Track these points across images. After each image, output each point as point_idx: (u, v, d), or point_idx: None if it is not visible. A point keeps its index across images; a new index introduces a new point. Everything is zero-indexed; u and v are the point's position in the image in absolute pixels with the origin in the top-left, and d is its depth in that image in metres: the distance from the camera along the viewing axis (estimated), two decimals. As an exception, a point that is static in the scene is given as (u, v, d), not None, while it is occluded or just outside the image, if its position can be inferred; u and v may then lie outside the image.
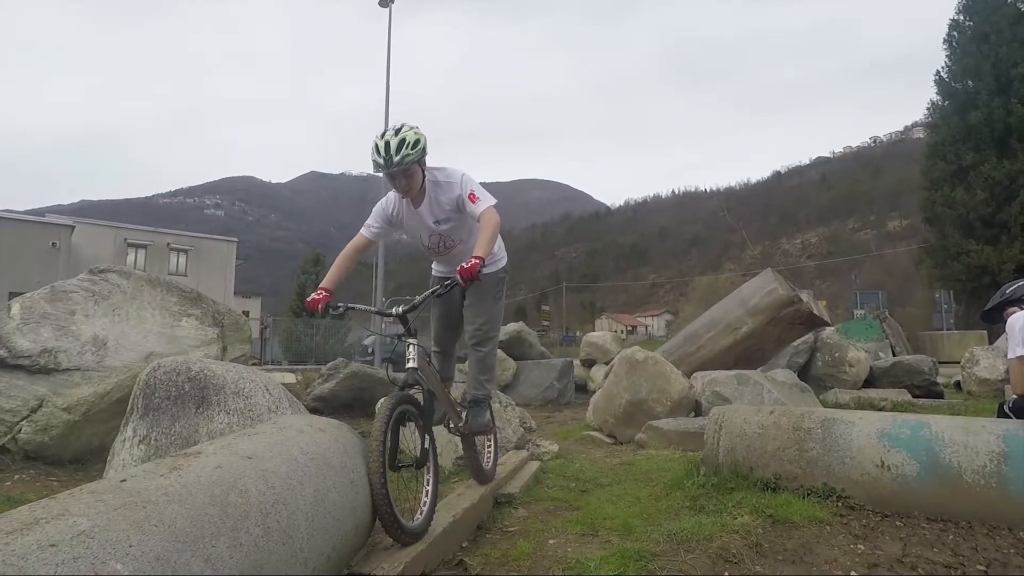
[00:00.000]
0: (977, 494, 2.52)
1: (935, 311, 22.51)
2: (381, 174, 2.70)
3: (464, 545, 2.58)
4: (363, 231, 2.91)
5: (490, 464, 3.24)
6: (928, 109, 28.77)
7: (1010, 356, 3.20)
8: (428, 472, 2.42)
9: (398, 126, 2.66)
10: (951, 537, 2.47)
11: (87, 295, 5.06)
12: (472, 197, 2.74)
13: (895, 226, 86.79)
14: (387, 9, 20.45)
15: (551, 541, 2.63)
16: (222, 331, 5.60)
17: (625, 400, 5.82)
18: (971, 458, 2.55)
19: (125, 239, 33.56)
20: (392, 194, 2.84)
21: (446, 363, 3.10)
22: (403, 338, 2.55)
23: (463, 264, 2.48)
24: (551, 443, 5.20)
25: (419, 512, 2.30)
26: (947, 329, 19.79)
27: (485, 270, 2.75)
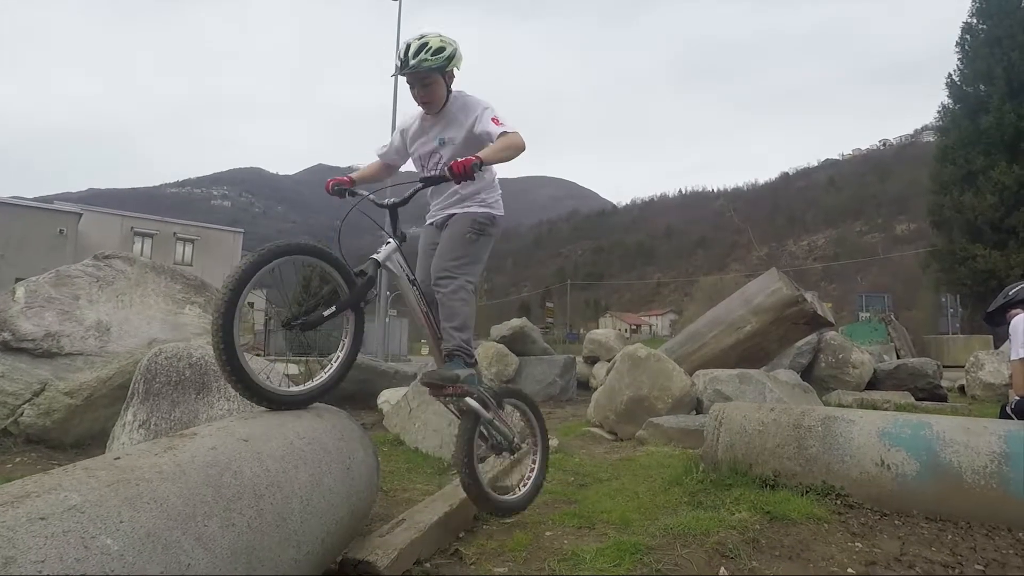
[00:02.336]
0: (977, 494, 2.50)
1: (941, 315, 22.41)
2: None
3: (460, 535, 2.58)
4: (378, 150, 2.84)
5: (518, 494, 2.64)
6: (939, 112, 28.60)
7: (1013, 357, 3.17)
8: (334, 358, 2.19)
9: (427, 31, 2.46)
10: (950, 536, 2.46)
11: (91, 280, 5.08)
12: (495, 120, 2.48)
13: (903, 230, 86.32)
14: (397, 3, 20.43)
15: (548, 533, 2.63)
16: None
17: (627, 397, 5.81)
18: (972, 458, 2.54)
19: (132, 228, 33.72)
20: (414, 111, 2.66)
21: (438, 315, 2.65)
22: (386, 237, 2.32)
23: (457, 159, 2.26)
24: (551, 438, 5.19)
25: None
26: (952, 333, 19.69)
27: (467, 207, 2.59)
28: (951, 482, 2.55)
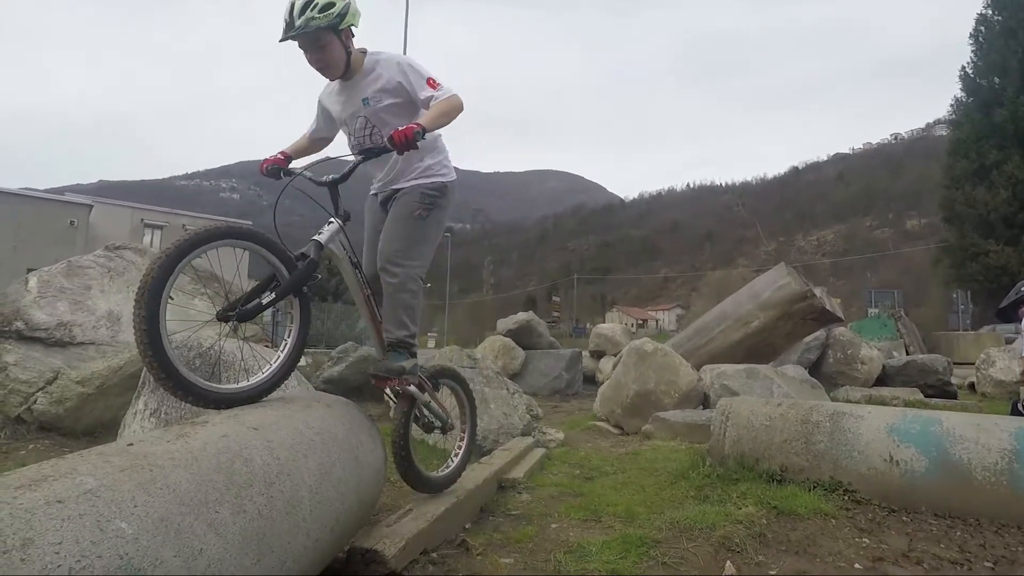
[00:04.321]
0: (987, 491, 2.49)
1: (951, 311, 22.21)
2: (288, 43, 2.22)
3: (467, 526, 2.59)
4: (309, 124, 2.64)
5: (447, 471, 2.62)
6: (952, 106, 28.30)
7: (1022, 354, 3.15)
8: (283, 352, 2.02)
9: None
10: (958, 533, 2.45)
11: (103, 271, 5.12)
12: (431, 82, 2.29)
13: (913, 225, 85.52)
14: (404, 1, 20.37)
15: (553, 525, 2.64)
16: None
17: (633, 391, 5.81)
18: (982, 455, 2.52)
19: (142, 219, 33.96)
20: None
21: (381, 301, 2.49)
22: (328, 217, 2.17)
23: (398, 127, 2.09)
24: (557, 431, 5.21)
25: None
26: (963, 330, 19.52)
27: (413, 180, 2.43)
28: (960, 479, 2.54)
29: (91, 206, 31.84)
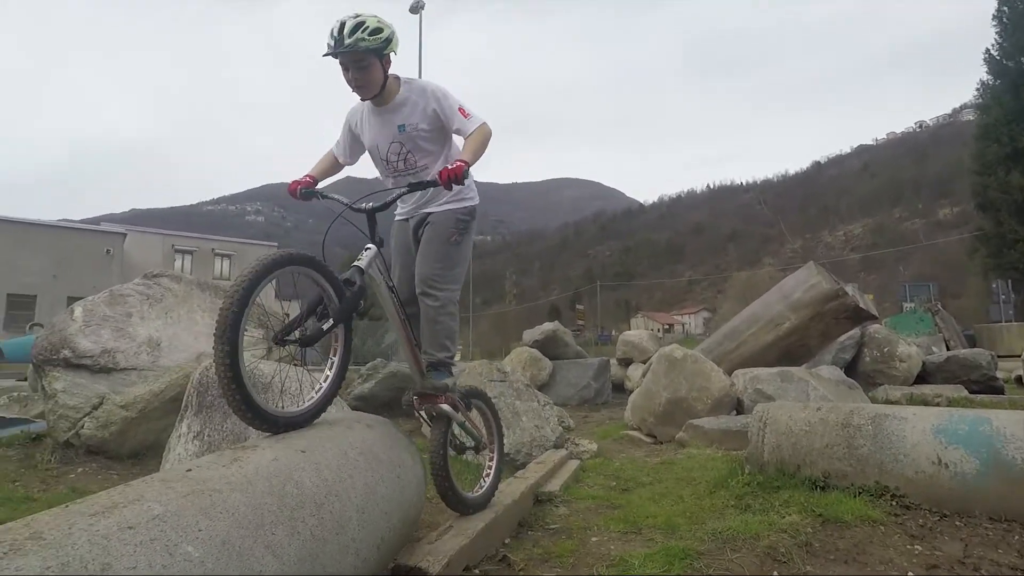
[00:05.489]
0: (1044, 493, 2.40)
1: (992, 302, 21.46)
2: (335, 58, 2.31)
3: (507, 541, 2.59)
4: (332, 146, 2.70)
5: (481, 491, 2.62)
6: (978, 90, 27.51)
7: None
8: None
9: (362, 11, 2.31)
10: (1016, 538, 2.37)
11: (142, 298, 5.28)
12: (463, 111, 2.40)
13: (945, 214, 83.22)
14: (417, 16, 20.76)
15: (593, 539, 2.62)
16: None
17: (664, 399, 5.75)
18: (1036, 455, 2.44)
19: (173, 245, 34.97)
20: (360, 102, 2.55)
21: (416, 315, 2.56)
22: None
23: (447, 165, 2.20)
24: (590, 442, 5.18)
25: None
26: (1005, 321, 18.86)
27: (446, 205, 2.50)
28: (1015, 480, 2.46)
29: (125, 234, 32.92)
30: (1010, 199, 23.52)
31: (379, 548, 1.63)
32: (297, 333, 1.88)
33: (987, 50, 26.56)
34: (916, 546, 2.36)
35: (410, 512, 1.99)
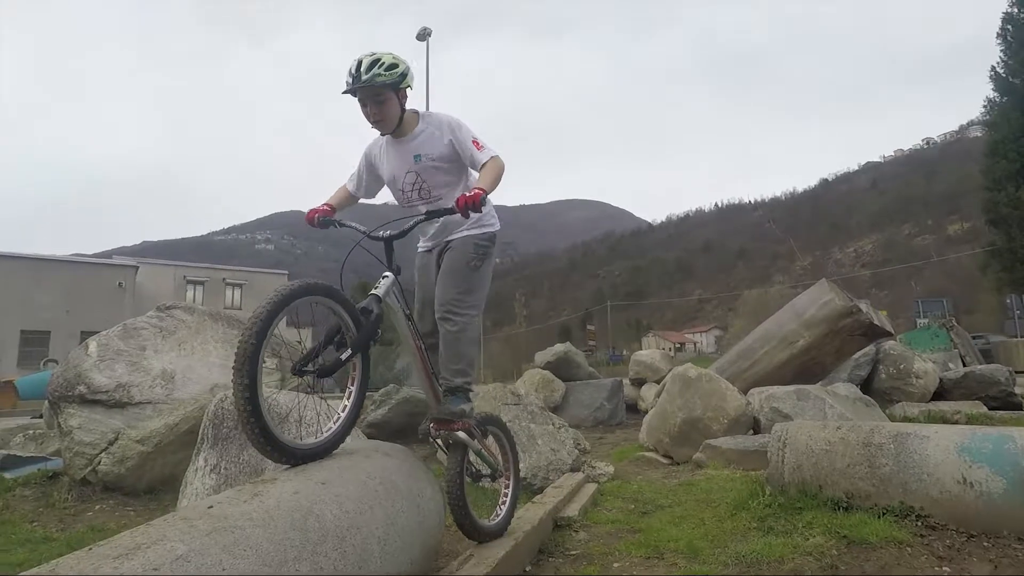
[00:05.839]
0: (1074, 511, 2.35)
1: (1006, 317, 21.17)
2: (352, 95, 2.39)
3: (528, 569, 2.56)
4: (346, 180, 2.74)
5: (497, 519, 2.59)
6: (985, 107, 27.57)
7: None
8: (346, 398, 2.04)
9: (378, 50, 2.41)
10: (1047, 558, 2.31)
11: (155, 331, 5.34)
12: (476, 144, 2.46)
13: (956, 230, 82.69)
14: (424, 43, 21.23)
15: (615, 564, 2.58)
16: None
17: (680, 419, 5.70)
18: (1064, 472, 2.39)
19: (184, 276, 35.34)
20: (377, 137, 2.62)
21: (434, 352, 2.57)
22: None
23: (464, 193, 2.24)
24: (606, 464, 5.12)
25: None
26: (1021, 336, 18.57)
27: (466, 232, 2.55)
28: (1043, 499, 2.41)
29: (136, 267, 33.31)
30: (1021, 214, 23.41)
31: (400, 581, 1.62)
32: (315, 363, 1.87)
33: (993, 68, 26.69)
34: (944, 568, 2.30)
35: (430, 541, 1.97)
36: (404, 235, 2.37)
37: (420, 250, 2.74)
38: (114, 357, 4.98)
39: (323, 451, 1.82)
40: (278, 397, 2.98)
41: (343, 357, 1.91)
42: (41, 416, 9.74)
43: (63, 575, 0.89)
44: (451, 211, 2.27)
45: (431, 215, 2.38)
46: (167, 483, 4.50)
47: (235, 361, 1.57)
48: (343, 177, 2.81)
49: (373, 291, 2.13)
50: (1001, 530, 2.48)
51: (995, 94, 26.67)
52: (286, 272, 41.99)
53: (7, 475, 5.01)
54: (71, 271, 30.57)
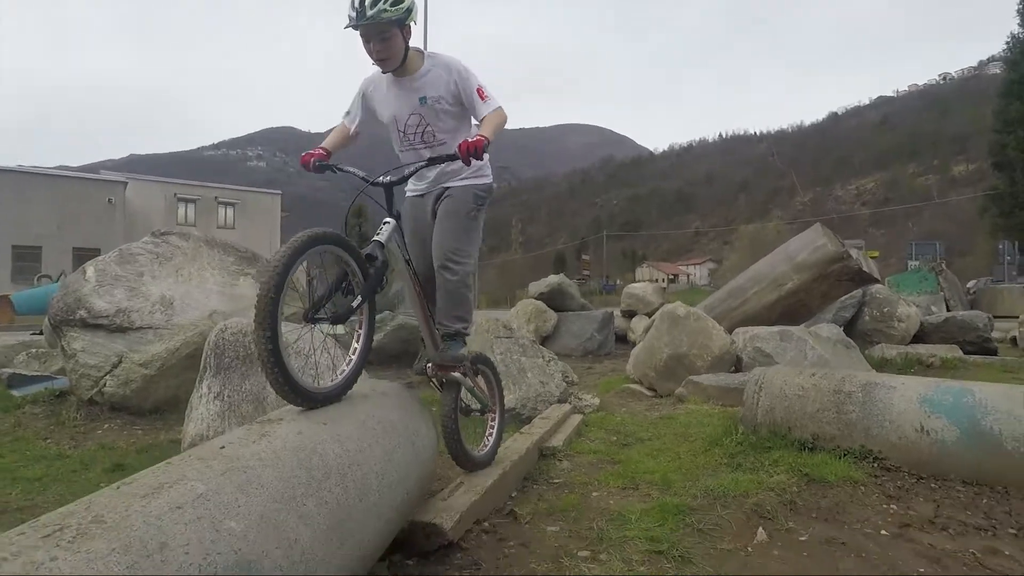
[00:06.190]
0: (1017, 461, 2.55)
1: (997, 263, 21.37)
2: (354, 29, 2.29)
3: (513, 495, 2.77)
4: (342, 118, 2.67)
5: (485, 450, 2.77)
6: (1007, 43, 26.43)
7: None
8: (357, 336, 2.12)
9: None
10: (985, 501, 2.53)
11: (152, 257, 5.39)
12: (481, 92, 2.43)
13: (960, 171, 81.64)
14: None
15: (594, 493, 2.79)
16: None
17: (666, 355, 5.91)
18: (1013, 426, 2.57)
19: (175, 194, 34.78)
20: (375, 72, 2.54)
21: (431, 288, 2.60)
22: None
23: (467, 138, 2.24)
24: (592, 396, 5.36)
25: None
26: (1009, 282, 18.84)
27: (466, 180, 2.55)
28: (990, 449, 2.60)
29: (126, 183, 32.70)
30: (1026, 159, 23.09)
31: (398, 509, 1.79)
32: (325, 310, 1.92)
33: (1021, 1, 25.35)
34: (892, 506, 2.52)
35: (424, 473, 2.14)
36: (404, 181, 2.36)
37: (411, 195, 2.70)
38: (112, 283, 5.06)
39: (338, 395, 1.91)
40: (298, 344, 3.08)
41: (354, 305, 1.98)
42: (40, 333, 9.92)
43: (98, 513, 1.01)
44: (453, 157, 2.25)
45: (432, 161, 2.36)
46: (171, 404, 4.71)
47: (255, 316, 1.61)
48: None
49: (376, 237, 2.15)
50: (949, 474, 2.70)
51: (1020, 30, 25.57)
52: (279, 192, 41.36)
53: (15, 393, 5.22)
54: (59, 186, 30.01)
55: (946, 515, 2.42)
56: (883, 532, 2.30)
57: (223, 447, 1.40)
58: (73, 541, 0.92)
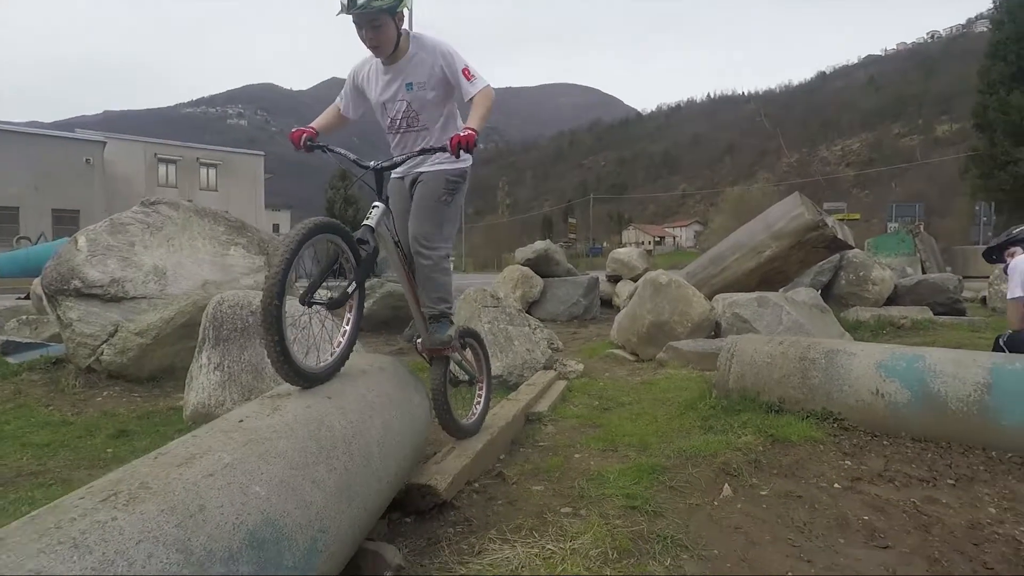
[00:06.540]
0: (959, 420, 2.80)
1: (973, 224, 21.83)
2: (348, 15, 2.33)
3: (501, 458, 2.98)
4: (336, 100, 2.72)
5: (473, 418, 2.91)
6: (995, 1, 26.28)
7: (1009, 296, 3.35)
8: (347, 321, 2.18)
9: None
10: (929, 455, 2.78)
11: (143, 227, 5.43)
12: (467, 73, 2.46)
13: (944, 131, 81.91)
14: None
15: (576, 456, 3.01)
16: (268, 258, 5.98)
17: (648, 321, 6.13)
18: (958, 388, 2.81)
19: (155, 154, 33.99)
20: (366, 57, 2.58)
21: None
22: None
23: (457, 132, 2.28)
24: (577, 362, 5.58)
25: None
26: (983, 243, 19.32)
27: (437, 166, 2.58)
28: (937, 409, 2.85)
29: (104, 142, 31.84)
30: (1007, 120, 23.19)
31: (396, 473, 1.98)
32: (322, 295, 2.01)
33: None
34: (846, 461, 2.77)
35: (419, 440, 2.33)
36: (395, 167, 2.43)
37: (393, 176, 2.74)
38: (104, 253, 5.11)
39: (331, 374, 1.99)
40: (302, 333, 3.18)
41: (349, 290, 2.07)
42: (27, 297, 9.88)
43: (143, 480, 1.17)
44: (443, 150, 2.32)
45: (424, 152, 2.44)
46: (167, 372, 4.84)
47: (262, 319, 1.72)
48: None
49: (366, 222, 2.20)
50: (900, 432, 2.95)
51: (1007, -12, 25.40)
52: (262, 153, 40.54)
53: (11, 360, 5.31)
54: (35, 145, 29.12)
55: (894, 468, 2.67)
56: (836, 485, 2.55)
57: (242, 420, 1.55)
58: (128, 504, 1.08)
